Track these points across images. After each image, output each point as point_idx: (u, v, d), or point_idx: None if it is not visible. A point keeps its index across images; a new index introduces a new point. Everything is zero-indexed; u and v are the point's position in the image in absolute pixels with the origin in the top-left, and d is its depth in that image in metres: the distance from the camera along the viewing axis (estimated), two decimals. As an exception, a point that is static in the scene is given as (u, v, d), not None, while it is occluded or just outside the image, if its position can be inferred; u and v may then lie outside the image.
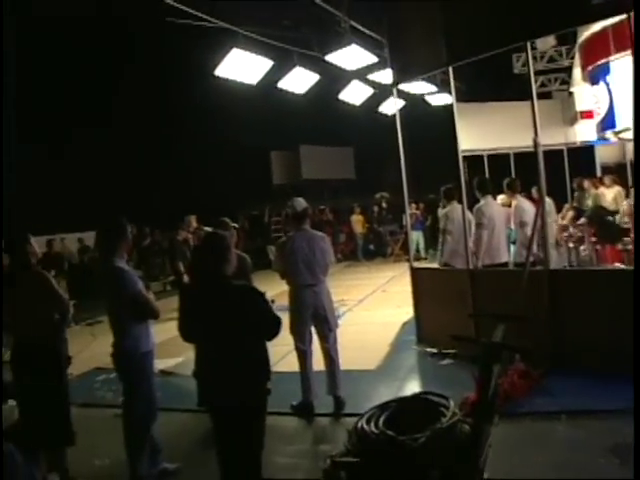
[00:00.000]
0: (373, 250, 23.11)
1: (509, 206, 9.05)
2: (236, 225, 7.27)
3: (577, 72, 14.32)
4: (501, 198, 9.80)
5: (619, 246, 9.84)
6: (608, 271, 8.52)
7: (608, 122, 10.94)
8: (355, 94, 17.73)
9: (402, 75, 9.38)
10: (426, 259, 18.36)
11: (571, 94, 17.88)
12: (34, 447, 5.13)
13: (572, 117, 17.64)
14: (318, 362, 6.75)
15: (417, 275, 9.03)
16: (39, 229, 14.03)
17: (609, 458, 4.88)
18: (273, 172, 28.73)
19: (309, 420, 6.50)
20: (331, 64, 13.70)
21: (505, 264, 8.47)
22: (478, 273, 8.00)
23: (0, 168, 9.46)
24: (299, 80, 14.63)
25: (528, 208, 8.51)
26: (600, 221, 10.61)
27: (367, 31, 13.33)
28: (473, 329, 7.26)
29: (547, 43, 17.08)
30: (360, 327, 10.34)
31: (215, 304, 4.15)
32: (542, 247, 7.46)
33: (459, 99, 8.62)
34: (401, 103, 10.64)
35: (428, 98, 19.84)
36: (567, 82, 19.56)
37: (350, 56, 13.10)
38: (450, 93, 8.57)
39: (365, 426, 3.60)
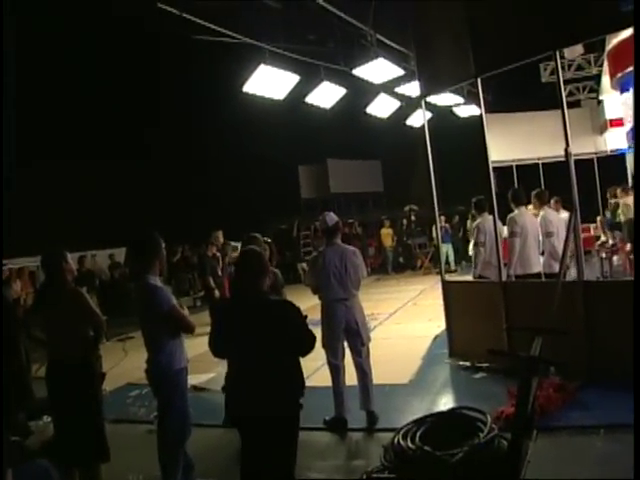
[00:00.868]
0: (402, 263, 23.03)
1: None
2: (268, 239, 7.26)
3: (606, 80, 14.21)
4: (529, 209, 9.74)
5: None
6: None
7: (634, 131, 10.81)
8: (382, 107, 17.77)
9: (430, 87, 9.37)
10: (455, 271, 18.26)
11: (600, 102, 17.75)
12: (69, 463, 5.17)
13: (601, 125, 17.51)
14: (350, 377, 6.70)
15: (448, 288, 8.97)
16: (70, 246, 14.18)
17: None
18: (301, 186, 28.79)
19: (342, 435, 6.45)
20: (358, 78, 13.74)
21: (538, 274, 8.38)
22: (510, 285, 7.92)
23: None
24: (326, 94, 14.70)
25: (554, 219, 8.44)
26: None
27: (393, 44, 13.37)
28: (506, 342, 7.19)
29: (575, 51, 16.97)
30: (391, 341, 10.27)
31: (253, 319, 4.16)
32: (573, 258, 7.38)
33: (486, 110, 8.58)
34: (429, 115, 10.61)
35: (456, 110, 19.83)
36: (595, 90, 19.43)
37: (377, 69, 13.14)
38: (477, 104, 8.54)
39: (402, 441, 3.57)
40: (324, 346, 6.63)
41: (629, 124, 11.73)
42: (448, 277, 9.95)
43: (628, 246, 10.82)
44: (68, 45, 18.74)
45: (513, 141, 16.30)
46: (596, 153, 18.32)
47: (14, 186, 15.25)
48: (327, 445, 6.30)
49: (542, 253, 8.62)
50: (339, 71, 14.21)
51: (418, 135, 9.75)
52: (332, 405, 6.58)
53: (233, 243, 13.21)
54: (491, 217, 8.40)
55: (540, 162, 18.02)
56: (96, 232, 20.40)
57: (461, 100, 18.64)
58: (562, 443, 5.55)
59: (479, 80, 8.12)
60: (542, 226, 8.55)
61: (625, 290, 7.02)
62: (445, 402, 7.11)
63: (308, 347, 4.41)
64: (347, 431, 6.48)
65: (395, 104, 17.84)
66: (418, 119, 18.57)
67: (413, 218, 22.84)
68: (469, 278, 9.84)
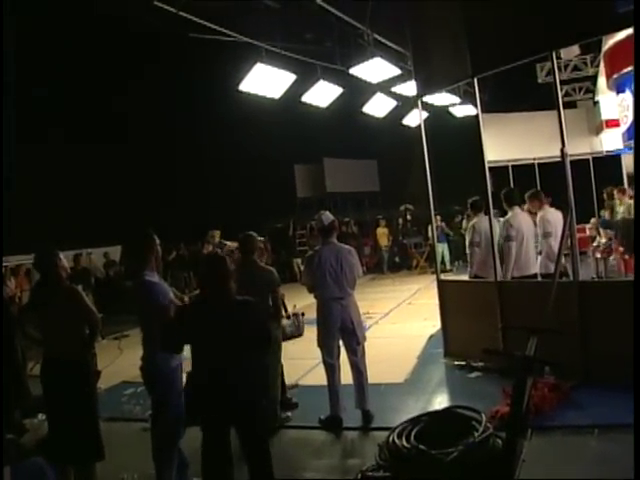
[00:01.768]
0: (398, 262, 23.04)
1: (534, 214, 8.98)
2: (262, 238, 7.26)
3: (602, 81, 14.20)
4: (525, 208, 9.76)
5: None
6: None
7: (634, 131, 10.82)
8: (379, 107, 17.76)
9: (426, 87, 9.38)
10: (451, 271, 18.28)
11: (596, 103, 17.75)
12: (63, 461, 5.17)
13: (597, 126, 17.50)
14: (346, 376, 6.71)
15: (444, 287, 8.98)
16: (66, 244, 14.19)
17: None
18: (297, 185, 28.80)
19: (337, 434, 6.45)
20: (354, 77, 13.74)
21: (535, 276, 8.39)
22: (506, 285, 7.93)
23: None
24: (322, 93, 14.70)
25: (552, 219, 8.43)
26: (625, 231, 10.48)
27: (390, 44, 13.37)
28: (501, 342, 7.21)
29: (571, 52, 16.98)
30: (387, 340, 10.28)
31: (217, 320, 4.27)
32: (569, 258, 7.40)
33: (482, 110, 8.59)
34: (425, 115, 10.63)
35: (452, 109, 19.84)
36: (592, 91, 19.45)
37: (374, 69, 13.15)
38: (473, 104, 8.56)
39: (397, 440, 3.58)
40: (320, 345, 6.64)
41: (624, 125, 11.74)
42: (443, 276, 9.97)
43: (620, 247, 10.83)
44: (65, 43, 18.70)
45: (509, 141, 16.28)
46: (592, 154, 18.32)
47: (14, 186, 15.25)
48: (322, 444, 6.30)
49: (540, 253, 8.64)
50: (336, 70, 14.21)
51: (414, 135, 9.74)
52: (327, 404, 6.58)
53: (229, 243, 13.23)
54: (487, 217, 8.42)
55: (536, 162, 18.02)
56: (92, 230, 20.38)
57: (457, 100, 18.65)
58: (556, 443, 5.56)
59: (475, 80, 8.14)
60: (540, 226, 8.56)
61: (620, 290, 7.06)
62: (440, 401, 7.12)
63: (264, 345, 4.49)
64: (342, 430, 6.48)
65: (392, 103, 17.83)
66: (414, 119, 18.58)
67: (409, 217, 22.84)
68: (464, 277, 9.86)
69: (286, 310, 9.52)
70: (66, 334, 5.17)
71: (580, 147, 17.04)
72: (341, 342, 6.69)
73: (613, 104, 13.12)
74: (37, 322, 5.32)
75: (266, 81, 12.51)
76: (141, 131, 22.72)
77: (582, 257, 12.99)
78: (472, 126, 8.57)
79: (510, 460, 3.42)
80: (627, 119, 11.23)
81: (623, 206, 12.07)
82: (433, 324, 10.03)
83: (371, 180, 31.32)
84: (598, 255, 11.53)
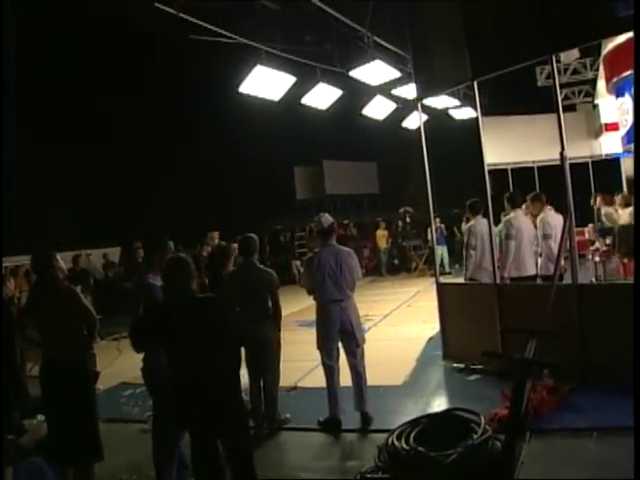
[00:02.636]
0: (397, 265, 23.03)
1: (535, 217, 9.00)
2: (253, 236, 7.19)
3: (601, 84, 14.25)
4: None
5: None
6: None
7: (633, 135, 10.84)
8: (378, 109, 17.78)
9: (426, 89, 9.39)
10: (450, 274, 18.27)
11: (595, 106, 17.78)
12: (62, 462, 5.17)
13: (597, 130, 17.54)
14: (345, 378, 6.71)
15: (443, 290, 8.99)
16: (65, 245, 14.21)
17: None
18: (296, 187, 28.83)
19: (336, 436, 6.44)
20: (354, 79, 13.76)
21: (532, 277, 8.40)
22: (505, 287, 7.94)
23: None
24: (322, 96, 14.71)
25: (553, 221, 8.45)
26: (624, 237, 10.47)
27: (390, 46, 13.38)
28: (500, 344, 7.22)
29: (571, 55, 17.01)
30: (386, 342, 10.28)
31: (188, 319, 4.29)
32: (568, 260, 7.41)
33: (482, 112, 8.61)
34: (425, 117, 10.65)
35: (452, 112, 19.86)
36: (591, 94, 19.49)
37: (374, 71, 13.17)
38: (473, 107, 8.58)
39: (396, 442, 3.59)
40: (319, 347, 6.64)
41: (624, 129, 11.75)
42: (442, 279, 9.97)
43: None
44: (65, 43, 18.72)
45: (509, 144, 16.31)
46: (591, 157, 18.36)
47: (14, 186, 15.27)
48: (321, 446, 6.30)
49: (539, 255, 8.65)
50: (335, 72, 14.22)
51: (414, 137, 9.75)
52: (326, 406, 6.58)
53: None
54: (485, 220, 8.44)
55: (535, 165, 18.06)
56: (91, 231, 20.39)
57: (457, 102, 18.67)
58: (555, 445, 5.56)
59: (475, 83, 8.16)
60: (540, 228, 8.58)
61: (619, 293, 7.07)
62: (439, 404, 7.12)
63: (234, 342, 4.51)
64: (341, 432, 6.48)
65: (391, 106, 17.85)
66: (414, 121, 18.60)
67: (408, 220, 22.85)
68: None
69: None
70: (64, 335, 5.16)
71: (579, 150, 17.07)
72: (340, 344, 6.69)
73: (612, 108, 13.15)
74: (36, 323, 5.32)
75: (266, 83, 12.52)
76: (140, 133, 22.72)
77: (581, 260, 13.00)
78: (472, 129, 8.58)
79: (509, 462, 3.42)
80: (626, 123, 11.26)
81: (607, 216, 12.07)
82: (432, 326, 10.03)
83: (370, 182, 31.37)
84: (597, 258, 11.54)
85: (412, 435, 3.63)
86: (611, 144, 16.35)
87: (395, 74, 13.66)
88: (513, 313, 7.48)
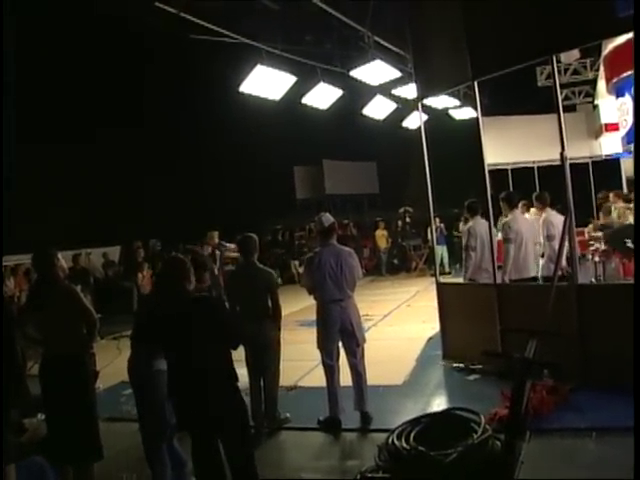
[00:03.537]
0: (397, 265, 23.01)
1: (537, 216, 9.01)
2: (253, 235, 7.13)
3: (602, 85, 14.27)
4: (533, 212, 9.78)
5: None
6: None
7: (633, 135, 10.85)
8: (378, 109, 17.79)
9: (426, 89, 9.40)
10: (450, 273, 18.28)
11: (595, 107, 17.80)
12: (62, 461, 5.17)
13: (597, 130, 17.56)
14: (345, 377, 6.72)
15: (443, 290, 8.99)
16: (65, 244, 14.22)
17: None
18: (296, 187, 28.84)
19: (336, 435, 6.45)
20: (354, 79, 13.77)
21: (533, 279, 8.41)
22: (505, 288, 7.95)
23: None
24: (322, 95, 14.72)
25: (556, 221, 8.45)
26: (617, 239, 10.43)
27: (390, 46, 13.39)
28: (499, 344, 7.23)
29: (571, 56, 17.03)
30: (386, 342, 10.28)
31: (184, 319, 4.29)
32: (569, 261, 7.42)
33: (482, 113, 8.61)
34: (425, 117, 10.66)
35: (452, 112, 19.87)
36: (591, 95, 19.51)
37: (374, 71, 13.18)
38: (473, 107, 8.58)
39: (396, 441, 3.59)
40: (319, 347, 6.65)
41: (624, 129, 11.76)
42: (442, 279, 9.97)
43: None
44: (65, 42, 18.71)
45: (509, 144, 16.33)
46: (591, 157, 18.39)
47: (14, 186, 15.28)
48: (321, 445, 6.31)
49: (542, 255, 8.65)
50: (336, 72, 14.24)
51: (414, 137, 9.77)
52: (326, 405, 6.59)
53: (227, 244, 13.26)
54: (484, 221, 8.45)
55: (535, 165, 18.09)
56: (91, 231, 20.39)
57: (457, 102, 18.69)
58: (555, 445, 5.57)
59: (476, 83, 8.17)
60: (544, 229, 8.58)
61: (618, 293, 7.08)
62: (439, 403, 7.13)
63: (235, 339, 4.51)
64: (341, 431, 6.49)
65: (391, 106, 17.86)
66: (414, 121, 18.62)
67: (408, 220, 22.85)
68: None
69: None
70: (64, 333, 5.17)
71: (579, 151, 17.10)
72: (340, 344, 6.70)
73: (612, 108, 13.17)
74: (36, 321, 5.33)
75: (266, 83, 12.53)
76: (141, 132, 22.72)
77: (581, 260, 13.01)
78: (472, 129, 8.58)
79: (509, 462, 3.43)
80: (626, 123, 11.28)
81: (617, 210, 12.07)
82: (432, 326, 10.03)
83: (370, 182, 31.37)
84: (597, 258, 11.53)
85: (412, 434, 3.63)
86: (611, 144, 16.38)
87: (395, 74, 13.67)
88: (513, 313, 7.49)
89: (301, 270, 7.60)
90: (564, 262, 7.65)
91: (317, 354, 6.72)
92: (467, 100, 18.16)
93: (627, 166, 17.56)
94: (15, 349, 4.94)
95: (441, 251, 18.91)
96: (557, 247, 8.00)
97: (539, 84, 19.25)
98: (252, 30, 11.79)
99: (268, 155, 25.56)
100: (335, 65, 14.04)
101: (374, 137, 24.61)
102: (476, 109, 8.53)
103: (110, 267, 19.39)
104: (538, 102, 16.02)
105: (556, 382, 6.51)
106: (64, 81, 19.82)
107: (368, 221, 26.25)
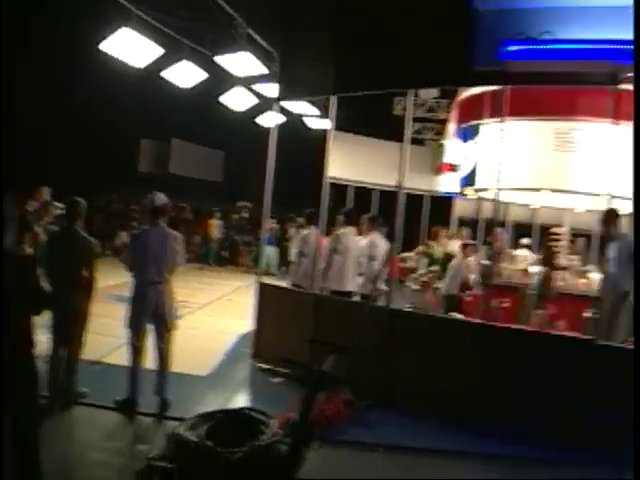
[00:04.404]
0: (226, 257, 22.97)
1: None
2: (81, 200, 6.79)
3: (451, 126, 14.95)
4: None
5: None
6: (443, 319, 8.93)
7: (469, 179, 11.46)
8: (237, 100, 17.64)
9: (287, 92, 9.44)
10: (275, 275, 18.48)
11: (442, 145, 18.66)
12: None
13: (438, 167, 18.39)
14: (149, 361, 6.63)
15: (263, 290, 9.03)
16: None
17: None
18: (140, 160, 28.07)
19: (131, 418, 6.34)
20: (219, 65, 13.60)
21: (350, 293, 8.70)
22: (323, 299, 8.16)
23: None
24: (184, 74, 14.38)
25: (380, 245, 8.81)
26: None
27: (262, 42, 13.36)
28: (309, 352, 7.39)
29: (430, 93, 17.84)
30: (198, 332, 10.22)
31: None
32: (387, 284, 7.74)
33: (338, 127, 8.82)
34: (281, 119, 10.73)
35: (307, 120, 20.08)
36: (441, 133, 20.45)
37: (240, 62, 13.05)
38: (329, 119, 8.75)
39: (184, 433, 3.57)
40: (127, 325, 6.52)
41: (462, 172, 12.35)
42: (266, 279, 10.06)
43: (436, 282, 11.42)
44: None
45: (357, 163, 16.67)
46: (429, 191, 19.21)
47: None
48: (114, 426, 6.19)
49: (361, 274, 8.94)
50: (204, 55, 13.99)
51: (266, 135, 9.78)
52: (126, 386, 6.45)
53: (56, 203, 12.63)
54: (318, 231, 8.65)
55: (378, 189, 18.64)
56: None
57: (316, 112, 18.94)
58: (343, 457, 5.83)
59: (335, 98, 8.35)
60: (368, 250, 8.88)
61: (426, 323, 7.51)
62: (240, 400, 7.23)
63: (38, 303, 4.28)
64: (137, 414, 6.39)
65: (251, 100, 17.76)
66: (270, 120, 18.65)
67: (245, 215, 22.92)
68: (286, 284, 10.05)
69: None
70: None
71: (421, 183, 17.80)
72: (151, 326, 6.59)
73: (456, 150, 13.81)
74: None
75: (130, 47, 12.02)
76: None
77: (401, 286, 13.63)
78: (324, 140, 8.77)
79: (292, 467, 3.52)
80: (465, 167, 11.83)
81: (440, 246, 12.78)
82: (247, 324, 10.09)
83: (216, 170, 31.11)
84: (417, 287, 12.12)
85: (204, 428, 3.63)
86: (449, 183, 17.18)
87: (261, 70, 13.63)
88: (327, 325, 7.67)
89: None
90: (383, 285, 7.97)
91: (124, 332, 6.58)
92: (326, 111, 18.44)
93: (458, 207, 18.63)
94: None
95: (271, 252, 19.11)
96: (377, 268, 8.35)
97: (395, 113, 19.96)
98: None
99: (119, 121, 24.60)
100: (204, 46, 13.81)
101: (228, 127, 24.39)
102: (331, 122, 8.71)
103: None
104: (392, 129, 16.56)
105: (355, 397, 6.78)
106: None
107: (206, 208, 26.00)
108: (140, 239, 6.53)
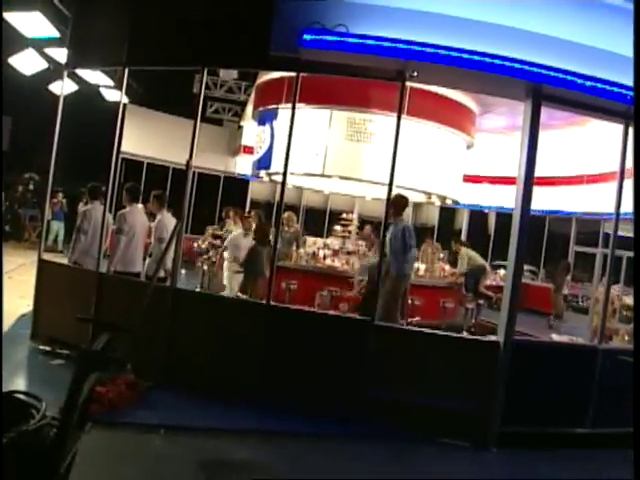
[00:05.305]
0: (8, 232, 21.57)
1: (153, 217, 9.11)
2: None
3: (249, 109, 15.06)
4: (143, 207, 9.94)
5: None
6: (227, 299, 9.02)
7: (264, 162, 11.61)
8: (27, 63, 16.52)
9: (79, 60, 9.05)
10: (62, 252, 17.68)
11: (240, 127, 18.79)
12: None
13: (236, 149, 18.53)
14: None
15: (45, 268, 8.61)
16: None
17: (197, 473, 5.25)
18: None
19: None
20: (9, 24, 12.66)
21: (137, 274, 8.52)
22: (107, 278, 7.93)
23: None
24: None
25: (170, 225, 8.65)
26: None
27: (57, 2, 12.61)
28: (90, 333, 7.15)
29: (230, 74, 17.81)
30: (-29, 311, 9.52)
31: None
32: (174, 264, 7.68)
33: (135, 101, 8.58)
34: (73, 87, 10.24)
35: (103, 91, 19.32)
36: (239, 115, 20.57)
37: (30, 22, 12.21)
38: (123, 91, 8.50)
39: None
40: None
41: (257, 155, 12.47)
42: (50, 256, 9.59)
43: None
44: None
45: (151, 138, 16.42)
46: (225, 172, 19.31)
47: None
48: None
49: (150, 255, 8.76)
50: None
51: (58, 104, 9.30)
52: None
53: None
54: (102, 207, 8.37)
55: (172, 166, 18.42)
56: None
57: (111, 83, 18.25)
58: (122, 439, 5.76)
59: (127, 70, 8.15)
60: (157, 230, 8.67)
61: (212, 303, 7.60)
62: (16, 383, 6.84)
63: None
64: None
65: (42, 64, 16.74)
66: (63, 87, 17.73)
67: (31, 187, 21.68)
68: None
69: None
70: None
71: (217, 164, 17.89)
72: None
73: (253, 133, 13.94)
74: None
75: None
76: None
77: (192, 267, 13.61)
78: (118, 112, 8.49)
79: (59, 450, 3.40)
80: (261, 150, 11.97)
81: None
82: (28, 303, 9.52)
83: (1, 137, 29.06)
84: (206, 267, 12.14)
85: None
86: (245, 166, 17.36)
87: (53, 32, 12.86)
88: (110, 305, 7.52)
89: None
90: (169, 265, 7.88)
91: None
92: (121, 83, 17.86)
93: (253, 188, 18.90)
94: None
95: (57, 227, 18.30)
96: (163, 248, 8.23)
97: (194, 90, 19.77)
98: None
99: None
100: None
101: (17, 91, 22.82)
102: (125, 94, 8.46)
103: None
104: (191, 107, 16.39)
105: (137, 378, 6.68)
106: None
107: (-13, 177, 24.25)
108: None
